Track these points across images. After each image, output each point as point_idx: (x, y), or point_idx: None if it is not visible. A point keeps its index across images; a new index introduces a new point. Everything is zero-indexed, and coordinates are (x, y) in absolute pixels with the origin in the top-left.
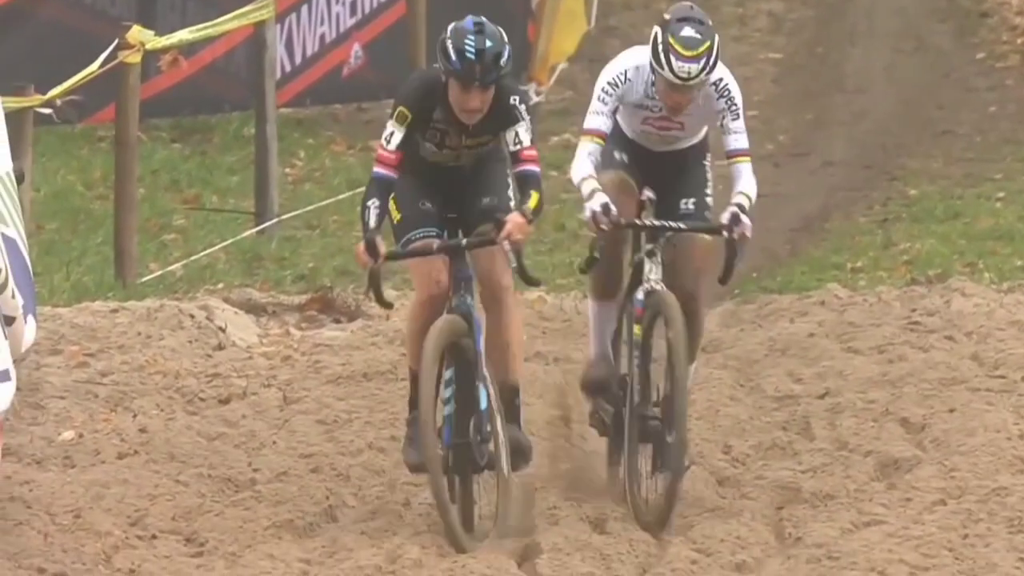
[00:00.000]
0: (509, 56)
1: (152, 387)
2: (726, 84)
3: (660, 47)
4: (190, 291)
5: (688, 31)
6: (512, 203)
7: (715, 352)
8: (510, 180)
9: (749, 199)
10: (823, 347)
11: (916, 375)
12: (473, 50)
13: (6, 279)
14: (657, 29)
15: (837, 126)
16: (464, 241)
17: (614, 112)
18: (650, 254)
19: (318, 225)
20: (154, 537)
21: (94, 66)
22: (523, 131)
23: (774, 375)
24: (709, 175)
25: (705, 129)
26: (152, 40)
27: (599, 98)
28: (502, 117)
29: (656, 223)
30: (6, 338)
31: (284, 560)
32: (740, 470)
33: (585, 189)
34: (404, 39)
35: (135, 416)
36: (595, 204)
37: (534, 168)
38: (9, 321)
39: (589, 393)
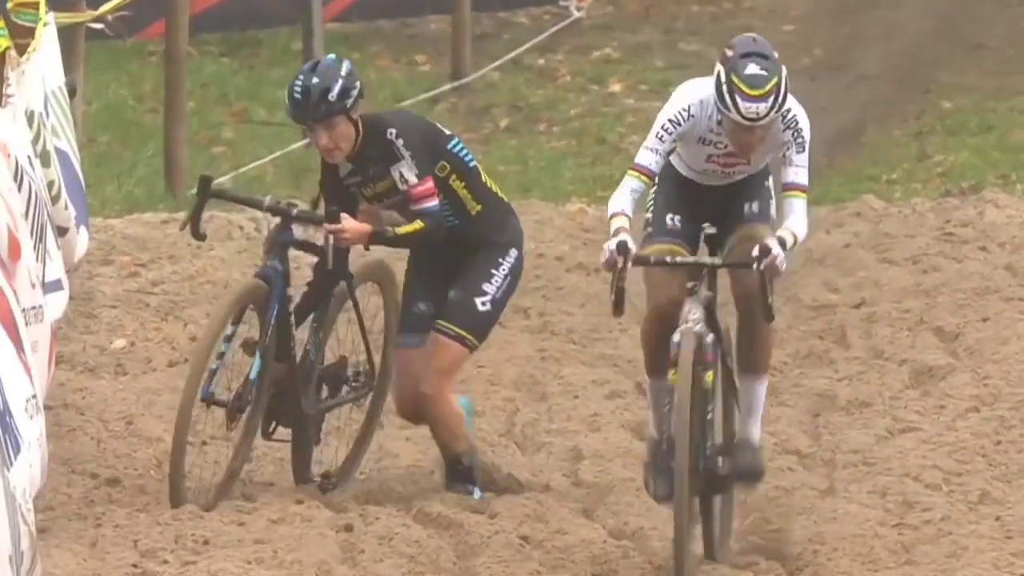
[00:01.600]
0: (343, 91)
1: (202, 296)
2: (795, 115)
3: (724, 87)
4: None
5: (753, 68)
6: (478, 300)
7: None
8: (487, 284)
9: (794, 237)
10: (859, 257)
11: (950, 285)
12: (300, 88)
13: (59, 191)
14: (719, 67)
15: (872, 40)
16: (295, 212)
17: (669, 153)
18: (689, 292)
19: None
20: (204, 443)
21: None
22: (406, 169)
23: (811, 285)
24: (772, 192)
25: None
26: None
27: (657, 135)
28: (382, 154)
29: (688, 260)
30: (59, 248)
31: (331, 463)
32: (778, 378)
33: (612, 226)
34: None
35: (185, 325)
36: (611, 243)
37: (427, 205)
38: (62, 232)
39: (656, 497)
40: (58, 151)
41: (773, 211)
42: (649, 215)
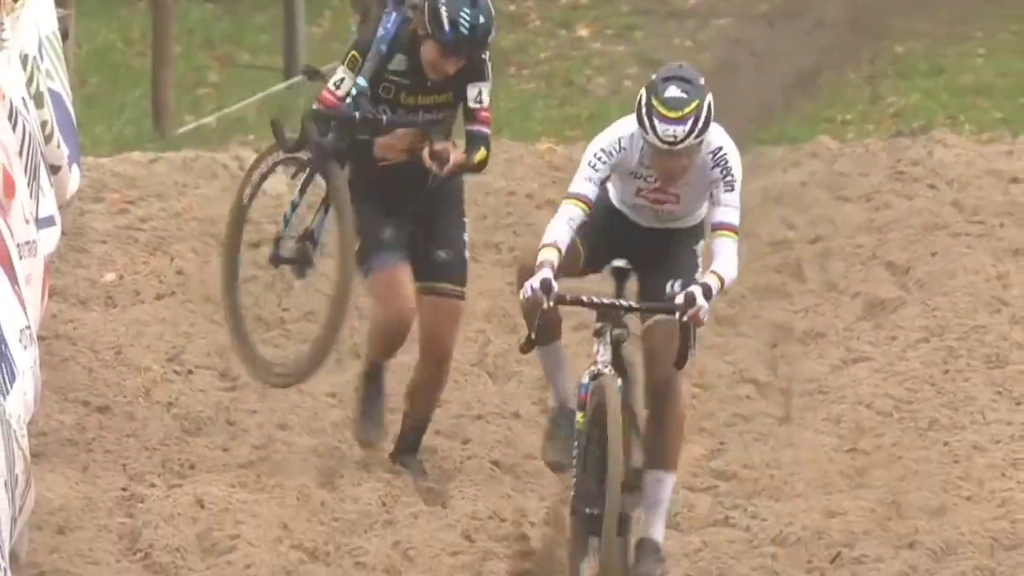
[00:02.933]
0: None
1: (188, 232)
2: (724, 154)
3: (644, 109)
4: (223, 142)
5: (673, 91)
6: (466, 253)
7: None
8: (465, 234)
9: (720, 282)
10: (814, 195)
11: (901, 221)
12: (468, 25)
13: (52, 131)
14: (643, 91)
15: None
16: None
17: (603, 182)
18: (598, 333)
19: None
20: (190, 372)
21: None
22: (486, 91)
23: (768, 222)
24: (699, 261)
25: (701, 213)
26: None
27: (590, 163)
28: (468, 71)
29: (606, 301)
30: (52, 186)
31: (312, 394)
32: (737, 310)
33: (539, 258)
34: None
35: (172, 259)
36: (534, 281)
37: (486, 130)
38: (55, 170)
39: (550, 464)
40: (51, 92)
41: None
42: None
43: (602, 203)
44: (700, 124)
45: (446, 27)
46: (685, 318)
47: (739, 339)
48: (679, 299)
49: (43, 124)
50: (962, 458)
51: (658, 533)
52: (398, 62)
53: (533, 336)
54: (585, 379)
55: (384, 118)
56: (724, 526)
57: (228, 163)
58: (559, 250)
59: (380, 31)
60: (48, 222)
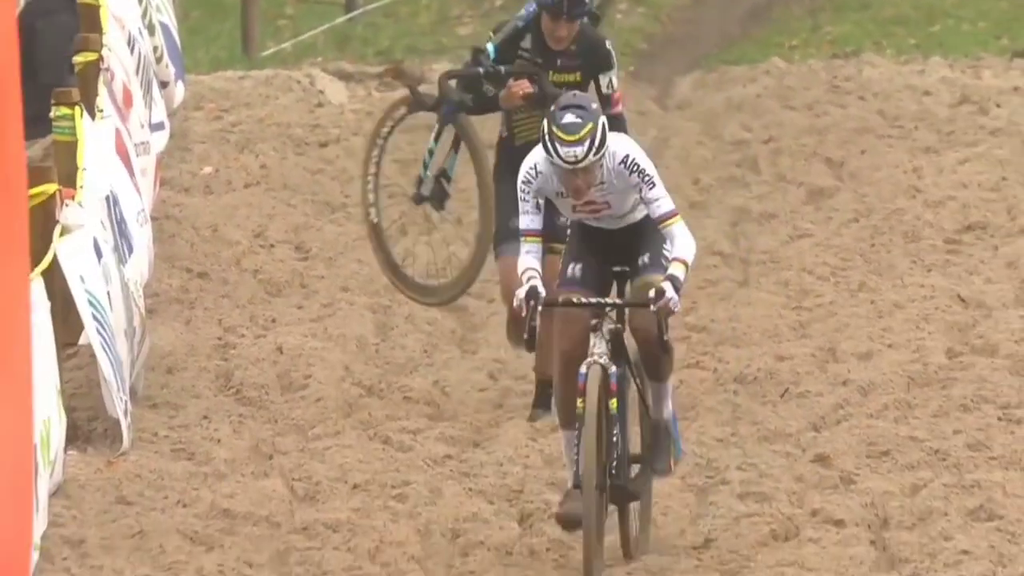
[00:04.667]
0: None
1: (269, 135)
2: (634, 159)
3: (546, 136)
4: (298, 63)
5: (569, 117)
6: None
7: (687, 108)
8: None
9: (684, 266)
10: (767, 105)
11: (837, 126)
12: None
13: (162, 53)
14: (544, 121)
15: None
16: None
17: (538, 207)
18: (593, 329)
19: (393, 14)
20: (272, 246)
21: None
22: (615, 77)
23: (731, 126)
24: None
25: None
26: None
27: (520, 198)
28: (595, 59)
29: (585, 300)
30: (162, 98)
31: (368, 263)
32: (706, 197)
33: (523, 278)
34: None
35: (257, 156)
36: (521, 291)
37: (621, 109)
38: (164, 85)
39: (565, 527)
40: (161, 24)
41: (668, 253)
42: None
43: (578, 229)
44: (596, 143)
45: None
46: (656, 308)
47: (708, 219)
48: (651, 293)
49: (154, 48)
50: (885, 314)
51: (666, 413)
52: (528, 41)
53: (526, 336)
54: (583, 369)
55: (503, 69)
56: (696, 368)
57: (300, 79)
58: (536, 271)
59: (520, 12)
60: (159, 127)
